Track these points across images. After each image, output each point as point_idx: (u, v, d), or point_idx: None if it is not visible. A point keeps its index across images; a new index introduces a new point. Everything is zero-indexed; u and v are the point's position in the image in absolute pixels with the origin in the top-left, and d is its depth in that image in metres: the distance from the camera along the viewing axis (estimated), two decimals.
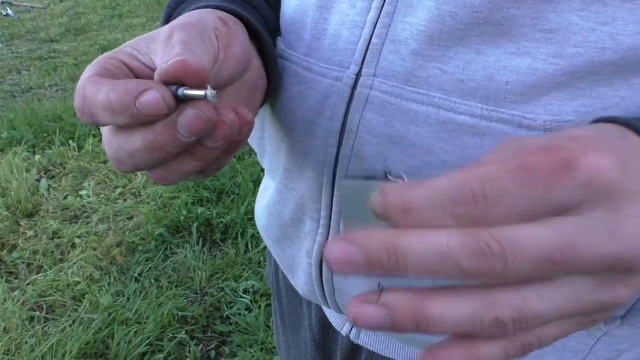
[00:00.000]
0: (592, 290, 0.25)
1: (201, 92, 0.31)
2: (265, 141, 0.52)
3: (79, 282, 2.17)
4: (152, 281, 2.18)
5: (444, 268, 0.24)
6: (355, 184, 0.31)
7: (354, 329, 0.56)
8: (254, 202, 2.57)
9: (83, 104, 0.32)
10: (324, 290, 0.50)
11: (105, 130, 0.35)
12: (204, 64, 0.32)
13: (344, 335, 0.57)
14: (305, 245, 0.49)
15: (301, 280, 0.52)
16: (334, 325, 0.58)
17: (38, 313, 2.04)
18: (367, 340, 0.55)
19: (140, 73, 0.35)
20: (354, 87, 0.40)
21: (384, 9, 0.38)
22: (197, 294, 2.14)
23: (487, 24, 0.34)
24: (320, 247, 0.47)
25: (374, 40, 0.38)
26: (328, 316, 0.59)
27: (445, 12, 0.35)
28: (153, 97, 0.30)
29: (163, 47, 0.34)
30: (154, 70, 0.34)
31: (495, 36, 0.34)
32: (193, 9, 0.41)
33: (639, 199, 0.25)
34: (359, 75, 0.40)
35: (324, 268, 0.48)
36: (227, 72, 0.37)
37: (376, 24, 0.38)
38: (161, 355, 1.86)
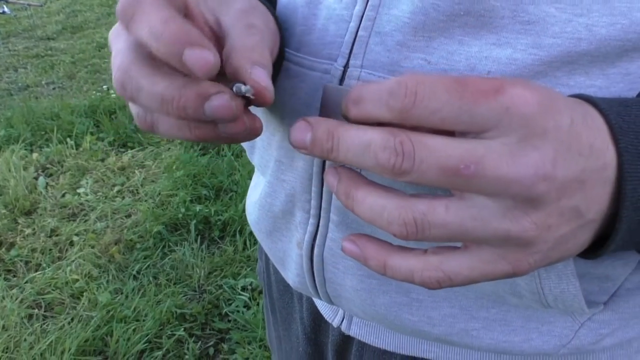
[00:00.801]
0: (498, 215, 0.28)
1: (247, 88, 0.33)
2: None
3: (77, 280, 2.17)
4: (151, 279, 2.19)
5: (364, 158, 0.28)
6: (335, 87, 0.33)
7: (344, 320, 0.56)
8: None
9: (133, 3, 0.31)
10: (314, 281, 0.50)
11: (124, 45, 0.33)
12: (272, 95, 0.34)
13: (335, 326, 0.57)
14: (295, 236, 0.49)
15: (292, 272, 0.52)
16: (325, 317, 0.59)
17: (36, 311, 2.04)
18: (357, 331, 0.56)
19: (196, 20, 0.35)
20: (342, 79, 0.40)
21: (369, 2, 0.39)
22: (196, 291, 2.14)
23: (468, 14, 0.35)
24: (311, 237, 0.48)
25: (360, 33, 0.39)
26: (319, 308, 0.60)
27: (427, 3, 0.36)
28: (205, 56, 0.30)
29: (241, 32, 0.35)
30: (208, 25, 0.35)
31: (476, 27, 0.35)
32: None
33: (550, 136, 0.27)
34: (346, 67, 0.40)
35: (315, 259, 0.48)
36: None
37: (362, 17, 0.39)
38: (159, 353, 1.86)
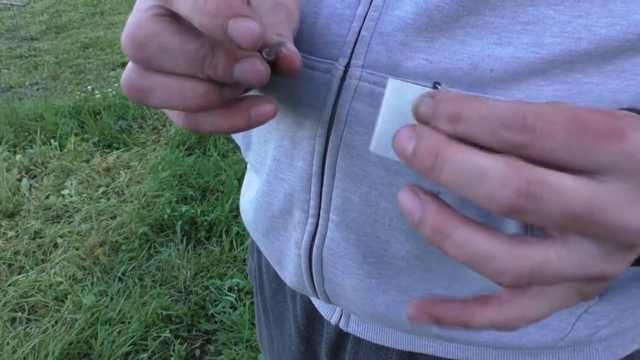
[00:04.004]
0: (598, 258, 0.27)
1: (276, 48, 0.33)
2: (251, 133, 0.52)
3: (61, 282, 2.15)
4: (136, 280, 2.17)
5: (472, 188, 0.25)
6: (402, 85, 0.31)
7: (342, 317, 0.56)
8: (238, 199, 2.57)
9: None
10: (312, 280, 0.50)
11: (143, 14, 0.33)
12: (300, 58, 0.33)
13: (333, 324, 0.57)
14: (293, 236, 0.49)
15: (289, 271, 0.52)
16: (323, 315, 0.59)
17: (20, 314, 2.02)
18: (355, 327, 0.56)
19: None
20: (343, 79, 0.40)
21: (372, 3, 0.39)
22: (182, 292, 2.13)
23: (470, 14, 0.35)
24: (310, 237, 0.47)
25: (362, 33, 0.39)
26: (316, 306, 0.60)
27: (432, 5, 0.36)
28: (252, 27, 0.29)
29: (268, 10, 0.35)
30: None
31: (477, 27, 0.35)
32: None
33: None
34: (347, 66, 0.40)
35: (314, 259, 0.48)
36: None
37: (365, 17, 0.39)
38: (145, 355, 1.85)
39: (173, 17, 0.32)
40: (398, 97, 0.31)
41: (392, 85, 0.31)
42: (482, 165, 0.25)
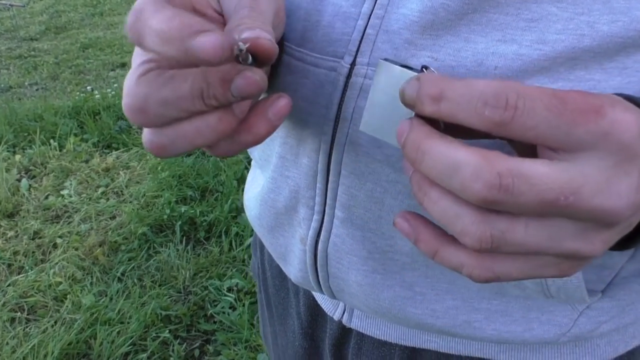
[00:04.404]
0: (574, 236, 0.27)
1: (242, 45, 0.31)
2: None
3: (60, 282, 2.15)
4: (135, 280, 2.17)
5: (450, 180, 0.27)
6: (392, 67, 0.31)
7: (345, 313, 0.57)
8: (238, 200, 2.56)
9: (136, 20, 0.31)
10: (317, 276, 0.50)
11: (132, 79, 0.33)
12: (275, 44, 0.32)
13: (337, 319, 0.58)
14: (298, 232, 0.50)
15: (294, 267, 0.52)
16: (326, 311, 0.59)
17: (19, 314, 2.02)
18: (358, 323, 0.56)
19: (205, 11, 0.35)
20: (348, 76, 0.40)
21: (378, 1, 0.39)
22: (181, 292, 2.13)
23: (475, 12, 0.36)
24: (315, 233, 0.48)
25: (368, 31, 0.39)
26: (320, 302, 0.60)
27: (437, 3, 0.36)
28: (212, 40, 0.28)
29: (236, 6, 0.34)
30: (216, 12, 0.35)
31: (482, 24, 0.36)
32: None
33: (638, 161, 0.26)
34: (352, 64, 0.40)
35: (319, 254, 0.49)
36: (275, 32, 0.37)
37: (370, 15, 0.39)
38: (144, 355, 1.85)
39: (157, 69, 0.33)
40: (388, 78, 0.31)
41: (382, 67, 0.31)
42: (456, 158, 0.26)
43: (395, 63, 0.32)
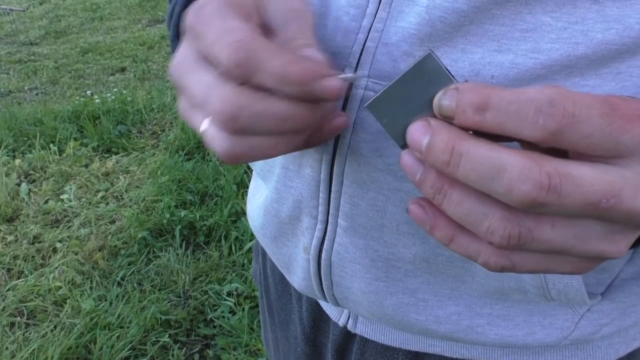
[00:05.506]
0: (601, 237, 0.27)
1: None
2: None
3: (60, 287, 2.15)
4: (135, 285, 2.17)
5: (492, 183, 0.26)
6: (435, 64, 0.30)
7: (350, 319, 0.57)
8: (237, 204, 2.55)
9: (248, 57, 0.31)
10: (321, 284, 0.51)
11: (226, 87, 0.34)
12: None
13: (341, 325, 0.58)
14: (302, 241, 0.50)
15: (298, 276, 0.53)
16: (331, 317, 0.60)
17: (19, 319, 2.02)
18: (363, 329, 0.57)
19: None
20: (349, 88, 0.41)
21: (377, 15, 0.40)
22: (181, 297, 2.13)
23: (471, 24, 0.36)
24: (319, 242, 0.48)
25: (368, 44, 0.40)
26: (324, 308, 0.61)
27: (435, 16, 0.37)
28: (336, 85, 0.32)
29: (286, 20, 0.36)
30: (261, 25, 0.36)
31: (478, 35, 0.37)
32: None
33: None
34: None
35: (322, 263, 0.49)
36: None
37: (370, 29, 0.40)
38: (144, 359, 1.85)
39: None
40: (425, 72, 0.30)
41: (427, 60, 0.30)
42: (500, 159, 0.25)
43: (440, 62, 0.30)
